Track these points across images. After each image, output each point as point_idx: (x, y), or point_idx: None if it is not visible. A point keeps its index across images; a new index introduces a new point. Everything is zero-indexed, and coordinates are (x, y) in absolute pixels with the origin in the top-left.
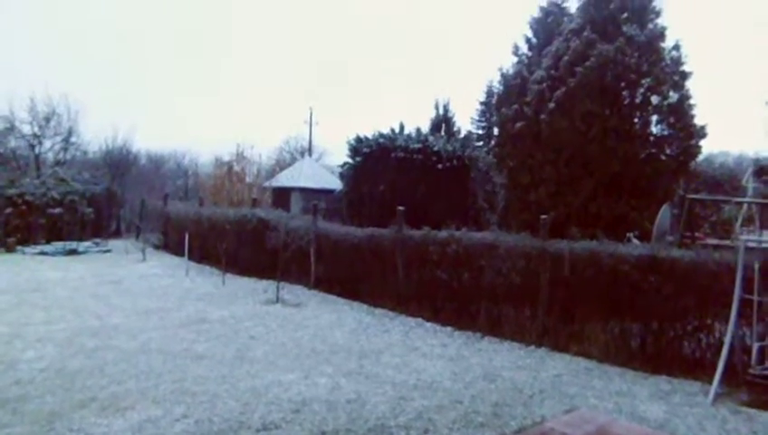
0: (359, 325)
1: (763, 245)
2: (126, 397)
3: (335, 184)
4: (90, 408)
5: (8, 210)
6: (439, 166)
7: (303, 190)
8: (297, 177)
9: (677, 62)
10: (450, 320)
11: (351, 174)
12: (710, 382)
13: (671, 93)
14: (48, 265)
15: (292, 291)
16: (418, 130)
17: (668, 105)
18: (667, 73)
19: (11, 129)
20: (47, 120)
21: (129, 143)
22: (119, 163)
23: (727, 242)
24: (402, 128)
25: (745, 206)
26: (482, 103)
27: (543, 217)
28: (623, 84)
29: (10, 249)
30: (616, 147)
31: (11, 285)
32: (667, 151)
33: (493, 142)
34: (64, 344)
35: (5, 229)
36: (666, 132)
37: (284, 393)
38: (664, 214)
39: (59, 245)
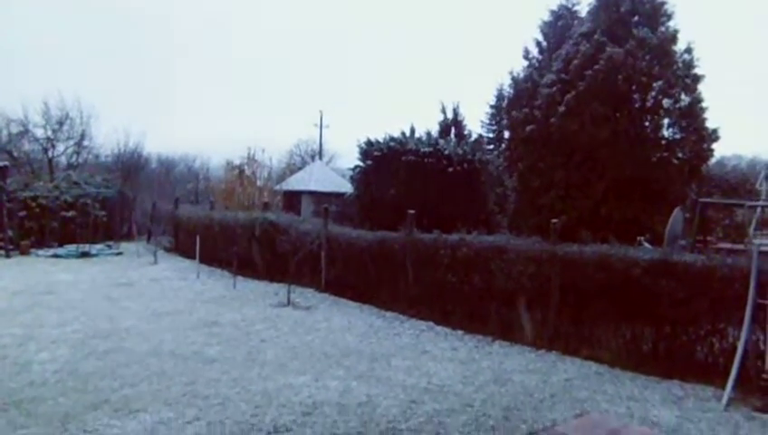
0: (369, 329)
1: None
2: (138, 399)
3: (346, 187)
4: (102, 409)
5: (22, 213)
6: (450, 169)
7: (314, 194)
8: (308, 180)
9: (689, 65)
10: (461, 323)
11: (362, 177)
12: (723, 387)
13: (683, 97)
14: (61, 267)
15: (303, 294)
16: (429, 133)
17: (680, 108)
18: (679, 77)
19: (25, 132)
20: (60, 123)
21: (140, 147)
22: (130, 167)
23: (741, 246)
24: (413, 131)
25: (759, 209)
26: (492, 107)
27: (554, 220)
28: (634, 87)
29: (24, 252)
30: (627, 150)
31: (25, 288)
32: (679, 155)
33: (503, 146)
34: (77, 346)
35: (20, 232)
36: (677, 136)
37: (295, 396)
38: (676, 217)
39: (72, 247)
